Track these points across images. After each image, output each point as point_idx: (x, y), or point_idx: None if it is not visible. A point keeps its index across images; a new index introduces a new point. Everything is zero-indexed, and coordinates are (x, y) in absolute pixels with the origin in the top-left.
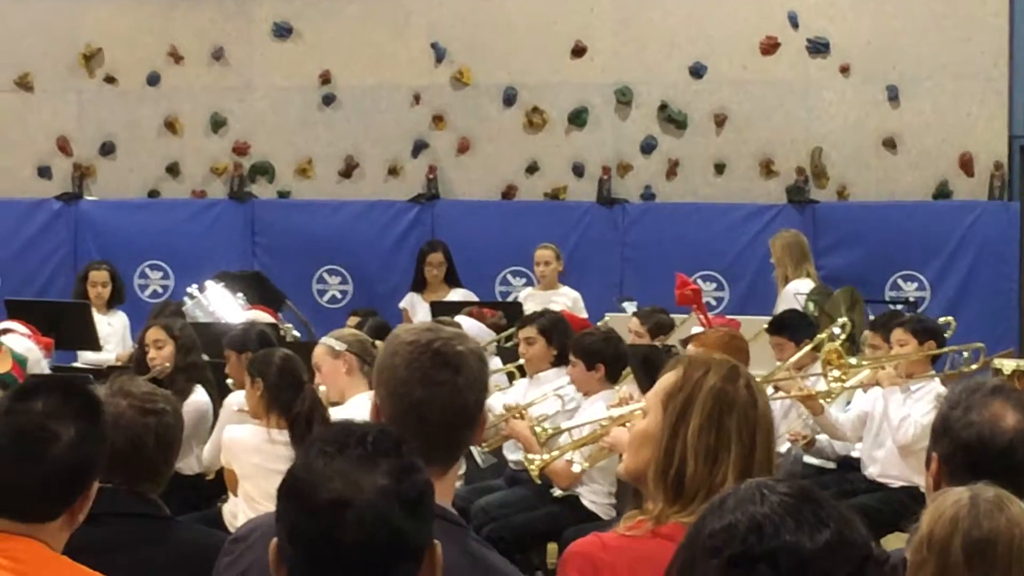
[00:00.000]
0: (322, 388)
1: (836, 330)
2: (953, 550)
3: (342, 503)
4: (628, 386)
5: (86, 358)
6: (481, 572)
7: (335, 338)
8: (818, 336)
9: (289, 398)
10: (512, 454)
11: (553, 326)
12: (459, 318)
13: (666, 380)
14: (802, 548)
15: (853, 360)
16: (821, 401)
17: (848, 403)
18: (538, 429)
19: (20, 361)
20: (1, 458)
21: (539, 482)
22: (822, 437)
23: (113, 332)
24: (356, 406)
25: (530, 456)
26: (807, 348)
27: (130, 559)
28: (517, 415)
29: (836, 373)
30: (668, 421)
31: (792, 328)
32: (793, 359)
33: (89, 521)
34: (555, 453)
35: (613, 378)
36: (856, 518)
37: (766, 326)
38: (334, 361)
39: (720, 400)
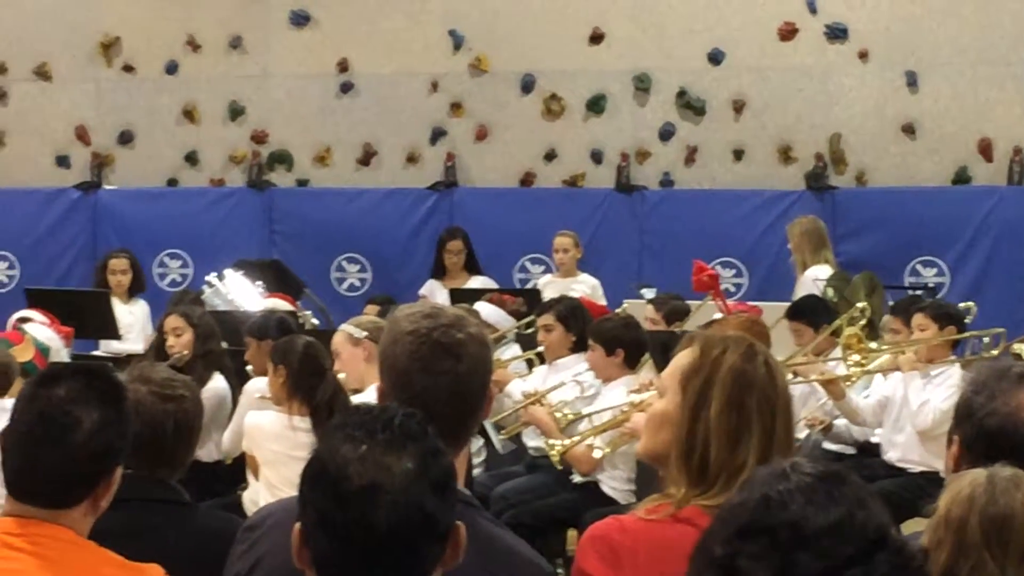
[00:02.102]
0: (342, 375)
1: (855, 314)
2: (970, 528)
3: (374, 488)
4: (647, 372)
5: (108, 347)
6: (490, 551)
7: (354, 325)
8: (837, 321)
9: (312, 385)
10: (532, 441)
11: (571, 312)
12: (479, 304)
13: (682, 359)
14: (804, 524)
15: (873, 345)
16: (842, 386)
17: (866, 388)
18: (558, 415)
19: (43, 350)
20: (23, 443)
21: (560, 467)
22: (840, 422)
23: (134, 321)
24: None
25: (551, 441)
26: (826, 333)
27: (150, 544)
28: (537, 402)
29: (856, 358)
30: (688, 403)
31: (811, 313)
32: (812, 344)
33: (109, 506)
34: (576, 438)
35: (632, 364)
36: (878, 503)
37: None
38: (353, 348)
39: (740, 380)
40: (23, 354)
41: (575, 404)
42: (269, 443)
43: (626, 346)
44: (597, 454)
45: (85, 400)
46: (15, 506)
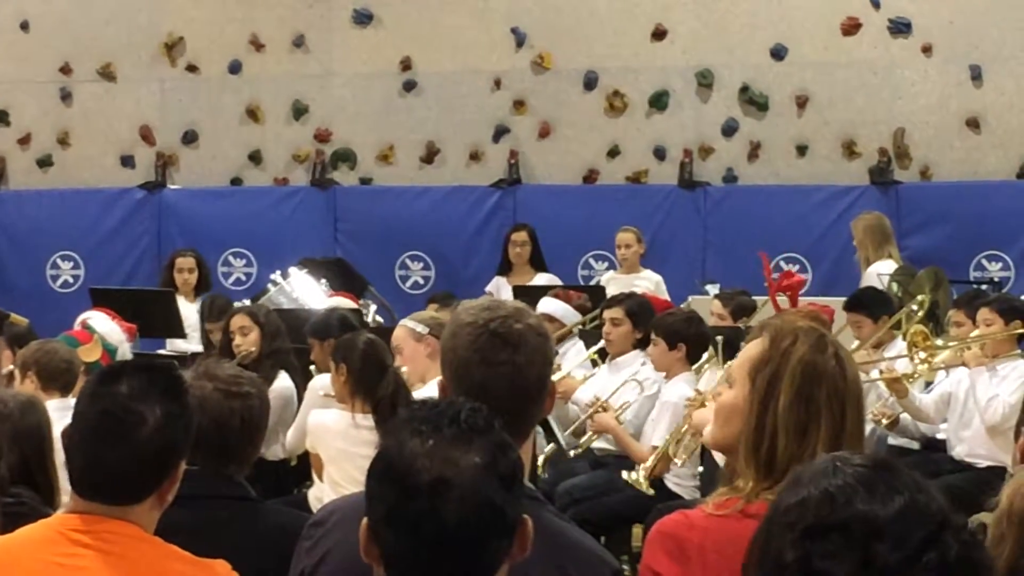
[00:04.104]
0: (404, 369)
1: (914, 307)
2: None
3: (443, 483)
4: (712, 372)
5: (174, 346)
6: (557, 545)
7: (416, 320)
8: (896, 315)
9: (373, 382)
10: (596, 441)
11: (640, 309)
12: (544, 300)
13: (752, 350)
14: (874, 516)
15: (939, 342)
16: (905, 384)
17: (928, 384)
18: (622, 418)
19: (111, 351)
20: (87, 441)
21: (652, 492)
22: (906, 416)
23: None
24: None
25: (631, 474)
26: (886, 327)
27: (218, 540)
28: (601, 408)
29: (923, 355)
30: (757, 395)
31: (869, 305)
32: (872, 338)
33: (176, 503)
34: (653, 459)
35: (694, 359)
36: (932, 486)
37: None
38: (416, 344)
39: (809, 372)
40: (90, 354)
41: (638, 403)
42: (333, 441)
43: (688, 341)
44: (679, 463)
45: (148, 396)
46: (80, 503)
